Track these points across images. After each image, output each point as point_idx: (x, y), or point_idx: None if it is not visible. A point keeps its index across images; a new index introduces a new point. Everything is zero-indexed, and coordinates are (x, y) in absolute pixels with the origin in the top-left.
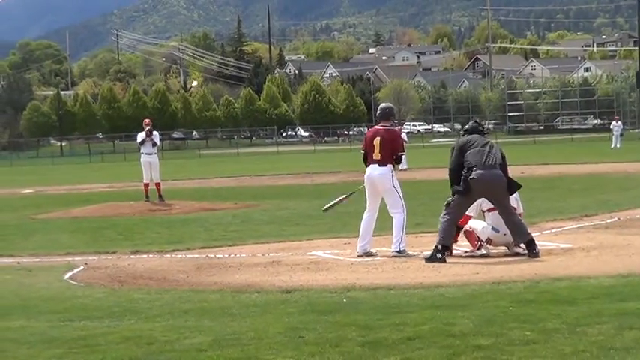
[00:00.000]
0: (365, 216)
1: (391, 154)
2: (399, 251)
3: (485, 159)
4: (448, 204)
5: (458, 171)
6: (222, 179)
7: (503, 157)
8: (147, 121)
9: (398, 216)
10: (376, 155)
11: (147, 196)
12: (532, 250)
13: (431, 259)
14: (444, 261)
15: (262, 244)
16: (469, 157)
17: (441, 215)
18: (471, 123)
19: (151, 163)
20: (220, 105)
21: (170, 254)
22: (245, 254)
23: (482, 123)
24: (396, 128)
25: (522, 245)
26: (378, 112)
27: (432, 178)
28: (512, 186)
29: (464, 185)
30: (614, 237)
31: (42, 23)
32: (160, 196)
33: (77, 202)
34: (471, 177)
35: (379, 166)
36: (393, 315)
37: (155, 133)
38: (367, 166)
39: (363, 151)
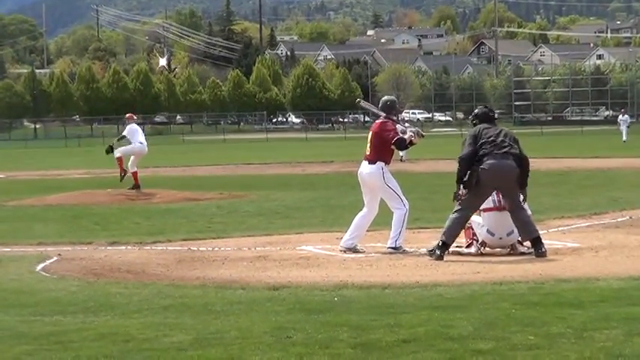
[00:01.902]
0: (361, 212)
1: (380, 149)
2: (395, 248)
3: (498, 149)
4: (455, 197)
5: (469, 160)
6: (207, 167)
7: (516, 142)
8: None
9: (398, 211)
10: (367, 150)
11: (138, 186)
12: (538, 250)
13: (430, 252)
14: (441, 258)
15: (249, 238)
16: (481, 147)
17: (453, 211)
18: (481, 108)
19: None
20: (206, 88)
21: (150, 246)
22: (230, 248)
23: (493, 108)
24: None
25: (527, 244)
26: (380, 104)
27: (432, 170)
28: (525, 178)
29: (473, 177)
30: (625, 237)
31: None
32: (134, 186)
33: (51, 188)
34: (481, 166)
35: (368, 163)
36: (388, 316)
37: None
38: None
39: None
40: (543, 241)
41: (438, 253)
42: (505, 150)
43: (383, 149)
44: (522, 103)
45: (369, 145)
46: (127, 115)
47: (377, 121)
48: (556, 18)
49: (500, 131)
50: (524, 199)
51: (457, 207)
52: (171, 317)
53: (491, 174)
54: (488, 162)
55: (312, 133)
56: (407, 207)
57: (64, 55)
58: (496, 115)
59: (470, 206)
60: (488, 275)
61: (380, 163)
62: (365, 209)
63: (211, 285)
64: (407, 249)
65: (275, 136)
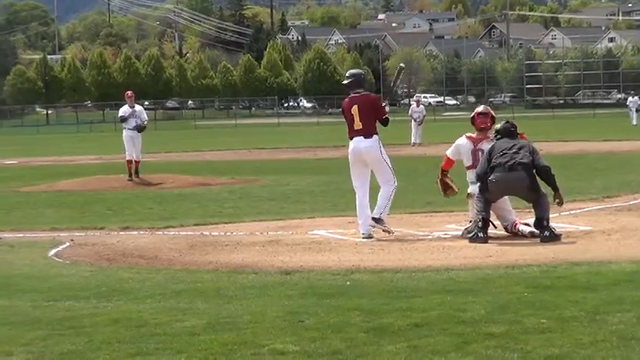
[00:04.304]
0: (358, 196)
1: (373, 122)
2: (378, 219)
3: (507, 161)
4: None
5: (484, 176)
6: (218, 152)
7: (532, 152)
8: (129, 93)
9: (388, 186)
10: (357, 125)
11: (130, 174)
12: (542, 233)
13: (472, 239)
14: (486, 241)
15: (261, 222)
16: (493, 160)
17: (474, 201)
18: (503, 123)
19: (134, 137)
20: (218, 72)
21: (162, 231)
22: (242, 232)
23: (515, 124)
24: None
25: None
26: (351, 79)
27: (444, 154)
28: (549, 181)
29: (483, 188)
30: (637, 220)
31: None
32: (137, 172)
33: (63, 174)
34: (490, 179)
35: (365, 137)
36: (400, 300)
37: (139, 108)
38: (350, 138)
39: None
40: (555, 224)
41: (482, 235)
42: (514, 161)
43: (374, 123)
44: (534, 86)
45: (357, 118)
46: (129, 92)
47: (363, 95)
48: (567, 1)
49: (515, 144)
50: (560, 202)
51: (476, 200)
52: (183, 302)
53: (498, 186)
54: (495, 175)
55: (323, 117)
56: (396, 183)
57: (76, 40)
58: (518, 129)
59: (487, 204)
60: (501, 259)
61: (376, 136)
62: (360, 193)
63: (224, 270)
64: (391, 229)
65: (286, 121)
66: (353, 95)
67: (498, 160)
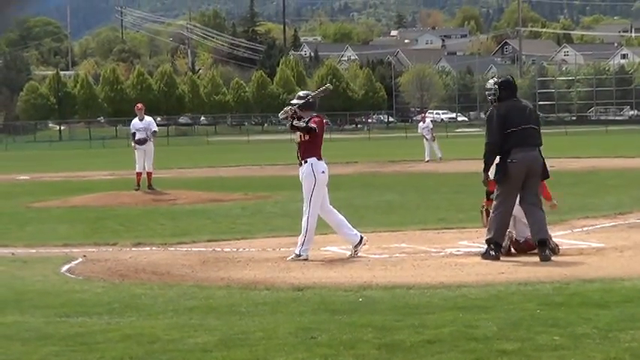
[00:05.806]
0: (334, 216)
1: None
2: (301, 255)
3: (528, 140)
4: (485, 183)
5: (498, 147)
6: (231, 168)
7: (538, 119)
8: (139, 105)
9: (310, 218)
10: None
11: (138, 185)
12: (542, 253)
13: (484, 255)
14: (498, 259)
15: (273, 238)
16: (509, 136)
17: (492, 209)
18: (503, 77)
19: (145, 151)
20: (230, 89)
21: (174, 247)
22: (255, 249)
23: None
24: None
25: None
26: (304, 100)
27: (456, 171)
28: (545, 171)
29: (502, 172)
30: None
31: None
32: (150, 185)
33: (76, 190)
34: (509, 160)
35: (324, 162)
36: (412, 316)
37: (149, 120)
38: (320, 158)
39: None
40: (567, 241)
41: (494, 253)
42: (533, 143)
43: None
44: (546, 102)
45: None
46: (139, 105)
47: (320, 118)
48: (580, 18)
49: (525, 109)
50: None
51: (496, 203)
52: (196, 318)
53: (520, 167)
54: (517, 155)
55: (335, 133)
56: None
57: (89, 56)
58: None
59: (507, 199)
60: (513, 275)
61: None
62: (326, 210)
63: (236, 286)
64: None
65: None
66: (318, 115)
67: (516, 138)
